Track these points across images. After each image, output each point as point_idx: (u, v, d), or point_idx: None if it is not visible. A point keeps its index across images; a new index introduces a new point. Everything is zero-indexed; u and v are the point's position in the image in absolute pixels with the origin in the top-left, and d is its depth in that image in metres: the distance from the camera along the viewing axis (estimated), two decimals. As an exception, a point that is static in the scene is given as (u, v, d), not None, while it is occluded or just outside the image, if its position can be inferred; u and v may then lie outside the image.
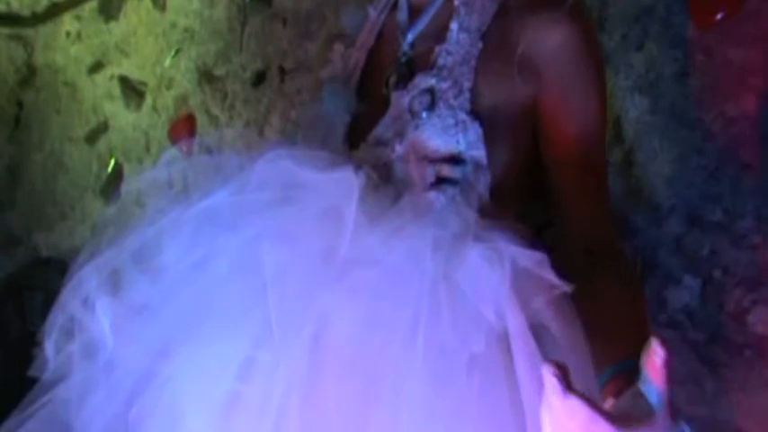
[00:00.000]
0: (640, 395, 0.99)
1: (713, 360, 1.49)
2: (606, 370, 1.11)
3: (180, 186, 1.33)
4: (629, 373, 1.04)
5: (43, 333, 1.23)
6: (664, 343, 0.97)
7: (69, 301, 1.23)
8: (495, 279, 1.12)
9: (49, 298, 1.26)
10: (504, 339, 1.12)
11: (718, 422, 1.48)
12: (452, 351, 1.09)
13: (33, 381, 1.24)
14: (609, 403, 1.04)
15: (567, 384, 0.95)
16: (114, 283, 1.23)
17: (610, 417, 0.97)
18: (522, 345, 1.11)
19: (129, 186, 1.59)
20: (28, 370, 1.24)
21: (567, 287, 1.12)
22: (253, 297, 1.13)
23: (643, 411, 0.98)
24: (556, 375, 0.95)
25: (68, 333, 1.23)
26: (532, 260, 1.12)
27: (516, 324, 1.11)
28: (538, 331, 1.13)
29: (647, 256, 1.53)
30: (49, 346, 1.23)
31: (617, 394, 1.04)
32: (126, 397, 1.19)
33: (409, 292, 1.11)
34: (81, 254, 1.27)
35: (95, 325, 1.21)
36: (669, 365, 0.98)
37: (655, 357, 0.97)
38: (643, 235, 1.54)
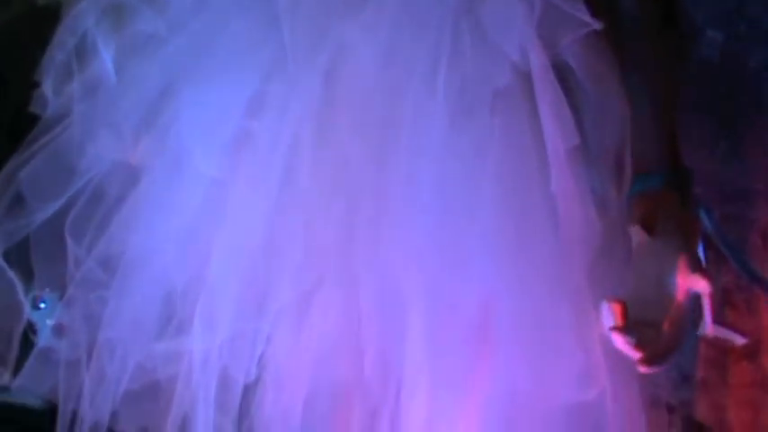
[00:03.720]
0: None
1: (729, 119, 1.46)
2: (635, 179, 1.08)
3: None
4: (657, 191, 1.05)
5: (40, 72, 1.18)
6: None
7: (67, 38, 1.17)
8: (520, 15, 1.06)
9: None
10: (527, 80, 1.07)
11: (727, 182, 1.47)
12: (474, 88, 1.05)
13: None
14: (637, 234, 1.04)
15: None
16: (116, 18, 1.16)
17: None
18: (546, 86, 1.06)
19: None
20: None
21: (597, 24, 1.06)
22: (264, 28, 1.09)
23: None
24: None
25: (67, 71, 1.18)
26: None
27: (540, 64, 1.06)
28: (564, 73, 1.08)
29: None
30: (47, 86, 1.18)
31: (645, 218, 1.04)
32: (130, 136, 1.15)
33: (430, 25, 1.06)
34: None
35: (96, 61, 1.16)
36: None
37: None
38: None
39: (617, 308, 1.01)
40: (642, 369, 1.01)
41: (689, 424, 1.49)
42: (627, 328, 1.00)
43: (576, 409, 1.08)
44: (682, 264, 1.03)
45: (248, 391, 1.13)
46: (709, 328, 1.06)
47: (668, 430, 1.47)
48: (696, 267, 1.03)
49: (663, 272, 1.03)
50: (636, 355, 1.00)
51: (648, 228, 1.05)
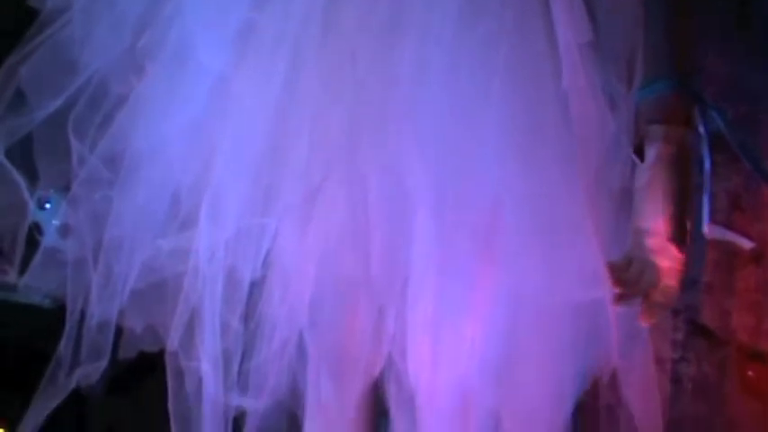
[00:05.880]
0: None
1: (745, 19, 1.43)
2: (644, 83, 1.05)
3: None
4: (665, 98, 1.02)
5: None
6: None
7: None
8: None
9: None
10: None
11: (741, 83, 1.45)
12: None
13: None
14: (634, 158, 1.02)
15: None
16: None
17: None
18: None
19: None
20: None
21: None
22: None
23: None
24: None
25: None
26: None
27: None
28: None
29: None
30: (45, -17, 1.15)
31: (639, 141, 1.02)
32: (132, 30, 1.13)
33: None
34: None
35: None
36: None
37: None
38: None
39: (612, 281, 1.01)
40: (644, 323, 1.01)
41: (693, 327, 1.49)
42: (626, 296, 1.01)
43: (581, 308, 1.08)
44: (662, 223, 1.01)
45: (255, 289, 1.12)
46: (706, 228, 1.04)
47: (673, 333, 1.47)
48: (677, 233, 1.00)
49: (651, 218, 1.02)
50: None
51: (641, 154, 1.03)
